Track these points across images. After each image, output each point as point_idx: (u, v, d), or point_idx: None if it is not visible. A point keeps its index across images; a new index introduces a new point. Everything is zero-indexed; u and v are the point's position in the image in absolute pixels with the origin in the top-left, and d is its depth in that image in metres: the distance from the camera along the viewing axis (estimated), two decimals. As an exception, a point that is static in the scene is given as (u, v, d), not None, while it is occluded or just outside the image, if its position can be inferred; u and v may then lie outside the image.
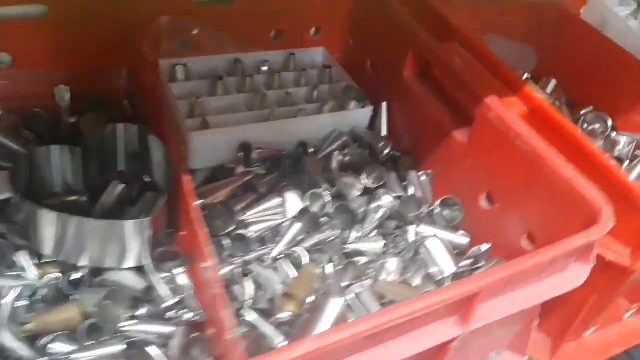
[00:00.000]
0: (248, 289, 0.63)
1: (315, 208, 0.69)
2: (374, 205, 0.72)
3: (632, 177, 0.80)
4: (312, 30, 0.92)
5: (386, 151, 0.80)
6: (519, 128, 0.59)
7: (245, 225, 0.68)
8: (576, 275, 0.54)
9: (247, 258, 0.64)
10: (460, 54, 0.71)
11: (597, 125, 0.91)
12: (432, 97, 0.75)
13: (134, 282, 0.58)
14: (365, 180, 0.74)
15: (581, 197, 0.53)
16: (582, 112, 0.97)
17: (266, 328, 0.58)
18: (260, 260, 0.66)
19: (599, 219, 0.51)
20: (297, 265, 0.66)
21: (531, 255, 0.47)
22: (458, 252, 0.71)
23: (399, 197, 0.74)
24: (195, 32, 0.81)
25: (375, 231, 0.73)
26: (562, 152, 0.59)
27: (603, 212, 0.51)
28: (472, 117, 0.66)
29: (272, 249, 0.66)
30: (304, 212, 0.68)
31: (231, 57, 0.85)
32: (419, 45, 0.74)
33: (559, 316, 0.68)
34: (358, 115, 0.82)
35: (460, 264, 0.69)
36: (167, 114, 0.75)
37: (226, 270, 0.62)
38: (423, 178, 0.77)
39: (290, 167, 0.76)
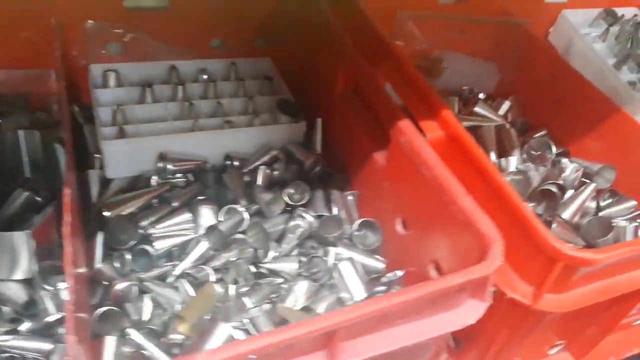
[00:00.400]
0: (146, 307, 0.61)
1: (228, 224, 0.67)
2: (292, 223, 0.70)
3: (571, 209, 0.77)
4: (259, 41, 0.91)
5: (316, 168, 0.78)
6: (425, 154, 0.57)
7: (153, 239, 0.66)
8: (469, 312, 0.51)
9: (146, 275, 0.62)
10: (388, 75, 0.68)
11: (547, 150, 0.88)
12: (360, 116, 0.73)
13: (16, 294, 0.56)
14: (286, 198, 0.72)
15: (476, 230, 0.51)
16: (535, 135, 0.94)
17: (152, 349, 0.56)
18: (162, 277, 0.64)
19: (488, 255, 0.48)
20: (202, 284, 0.64)
21: (400, 292, 0.44)
22: (375, 277, 0.69)
23: (320, 217, 0.71)
24: (127, 37, 0.80)
25: (296, 250, 0.71)
26: (472, 182, 0.56)
27: (493, 248, 0.48)
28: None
29: (175, 266, 0.64)
30: (211, 228, 0.66)
31: (167, 64, 0.83)
32: (348, 64, 0.72)
33: (472, 351, 0.65)
34: (291, 130, 0.80)
35: (374, 290, 0.66)
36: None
37: (121, 286, 0.60)
38: (349, 198, 0.75)
39: (212, 181, 0.74)
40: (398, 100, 0.68)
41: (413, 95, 0.66)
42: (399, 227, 0.65)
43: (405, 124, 0.61)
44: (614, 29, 1.09)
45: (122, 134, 0.72)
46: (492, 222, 0.51)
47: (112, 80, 0.80)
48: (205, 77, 0.86)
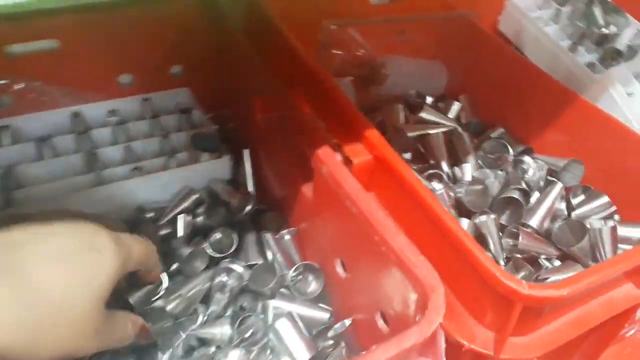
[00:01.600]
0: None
1: (138, 296, 0.57)
2: (218, 280, 0.60)
3: (539, 214, 0.68)
4: (175, 68, 0.81)
5: (247, 208, 0.69)
6: (347, 186, 0.48)
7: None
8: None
9: None
10: (307, 95, 0.59)
11: (505, 153, 0.79)
12: (285, 144, 0.63)
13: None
14: (209, 250, 0.62)
15: (412, 275, 0.41)
16: (493, 134, 0.85)
17: None
18: None
19: (428, 309, 0.39)
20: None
21: None
22: (321, 329, 0.59)
23: (253, 266, 0.62)
24: (15, 87, 0.70)
25: (230, 310, 0.61)
26: (409, 213, 0.47)
27: (433, 299, 0.39)
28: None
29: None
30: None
31: (68, 111, 0.74)
32: (263, 86, 0.63)
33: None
34: (213, 168, 0.70)
35: (320, 347, 0.57)
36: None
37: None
38: (286, 238, 0.66)
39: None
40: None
41: (334, 116, 0.57)
42: (339, 270, 0.56)
43: (325, 152, 0.51)
44: (566, 9, 1.01)
45: (10, 203, 0.62)
46: (428, 265, 0.41)
47: (5, 139, 0.70)
48: (114, 119, 0.76)
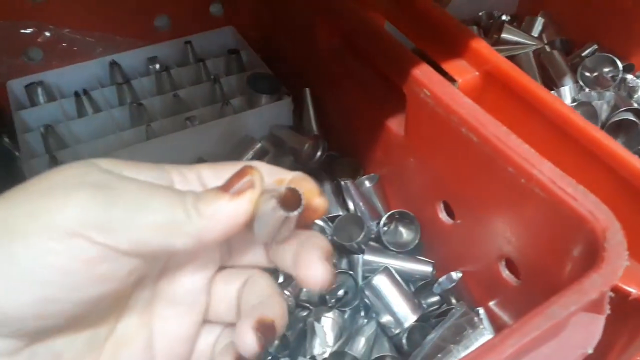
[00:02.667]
0: None
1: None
2: (297, 236, 0.52)
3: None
4: (215, 7, 0.72)
5: (318, 154, 0.60)
6: (464, 109, 0.38)
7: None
8: (582, 335, 0.33)
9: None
10: (385, 12, 0.49)
11: (605, 69, 0.68)
12: (358, 75, 0.54)
13: None
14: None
15: (574, 211, 0.32)
16: (584, 53, 0.73)
17: None
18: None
19: (603, 251, 0.30)
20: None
21: (508, 337, 0.26)
22: (422, 285, 0.51)
23: (335, 218, 0.54)
24: (42, 37, 0.62)
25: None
26: (537, 136, 0.38)
27: (609, 238, 0.30)
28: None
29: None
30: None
31: (104, 61, 0.65)
32: (329, 7, 0.53)
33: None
34: (274, 112, 0.62)
35: (426, 303, 0.49)
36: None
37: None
38: (367, 185, 0.57)
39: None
40: (406, 42, 0.49)
41: (425, 31, 0.47)
42: (442, 216, 0.47)
43: (424, 71, 0.42)
44: None
45: (55, 164, 0.54)
46: (593, 197, 0.32)
47: (40, 96, 0.63)
48: (156, 66, 0.68)
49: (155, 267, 0.28)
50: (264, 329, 0.26)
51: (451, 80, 0.43)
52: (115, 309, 0.28)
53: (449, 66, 0.43)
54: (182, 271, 0.28)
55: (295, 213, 0.23)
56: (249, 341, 0.25)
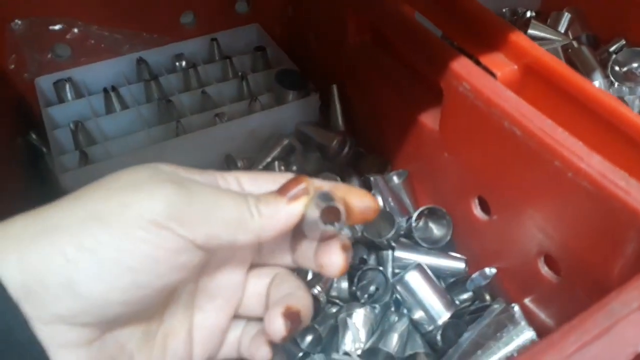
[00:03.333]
0: None
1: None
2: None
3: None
4: (240, 4, 0.72)
5: (345, 150, 0.60)
6: (507, 102, 0.38)
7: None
8: (632, 334, 0.33)
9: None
10: (415, 3, 0.49)
11: (635, 65, 0.67)
12: (389, 71, 0.53)
13: None
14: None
15: (621, 203, 0.32)
16: (612, 48, 0.72)
17: None
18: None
19: (657, 245, 0.29)
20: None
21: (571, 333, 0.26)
22: (453, 282, 0.51)
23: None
24: (71, 34, 0.62)
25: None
26: (582, 127, 0.37)
27: (663, 232, 0.29)
28: (441, 94, 0.45)
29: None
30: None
31: (132, 58, 0.66)
32: (358, 2, 0.52)
33: None
34: (302, 108, 0.61)
35: (458, 300, 0.49)
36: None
37: None
38: (395, 181, 0.56)
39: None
40: (438, 34, 0.48)
41: (458, 22, 0.46)
42: (477, 212, 0.47)
43: (463, 64, 0.41)
44: None
45: (85, 160, 0.54)
46: (644, 187, 0.31)
47: (67, 92, 0.63)
48: (183, 63, 0.68)
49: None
50: (291, 316, 0.29)
51: (489, 74, 0.42)
52: (166, 302, 0.28)
53: (486, 59, 0.43)
54: (222, 268, 0.31)
55: (332, 228, 0.27)
56: (278, 326, 0.28)
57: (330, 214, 0.27)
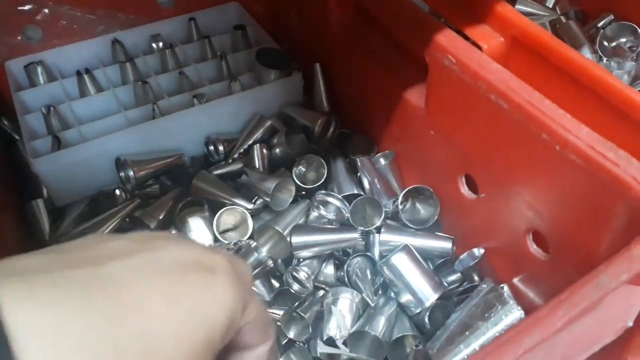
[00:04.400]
0: None
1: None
2: (314, 214, 0.51)
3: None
4: (219, -19, 0.69)
5: (330, 131, 0.58)
6: (493, 75, 0.36)
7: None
8: (621, 308, 0.32)
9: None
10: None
11: (623, 40, 0.66)
12: (373, 47, 0.52)
13: None
14: (295, 180, 0.52)
15: (616, 177, 0.30)
16: (600, 24, 0.71)
17: None
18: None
19: (648, 218, 0.28)
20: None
21: (553, 312, 0.25)
22: (441, 262, 0.50)
23: (353, 197, 0.52)
24: (41, 15, 0.59)
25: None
26: (570, 99, 0.36)
27: (654, 204, 0.28)
28: (427, 69, 0.43)
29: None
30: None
31: (106, 39, 0.63)
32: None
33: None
34: (284, 88, 0.59)
35: (446, 282, 0.48)
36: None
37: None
38: (382, 162, 0.55)
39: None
40: (422, 7, 0.47)
41: (445, -4, 0.44)
42: (464, 190, 0.45)
43: (448, 37, 0.40)
44: None
45: (58, 145, 0.52)
46: (635, 160, 0.30)
47: (39, 76, 0.60)
48: (160, 44, 0.65)
49: None
50: None
51: (475, 46, 0.41)
52: None
53: (472, 32, 0.41)
54: None
55: None
56: None
57: None
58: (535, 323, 0.24)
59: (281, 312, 0.46)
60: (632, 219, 0.30)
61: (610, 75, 0.35)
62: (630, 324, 0.32)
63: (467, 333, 0.38)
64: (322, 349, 0.45)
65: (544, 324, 0.24)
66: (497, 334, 0.38)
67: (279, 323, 0.45)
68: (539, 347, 0.30)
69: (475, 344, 0.38)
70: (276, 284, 0.51)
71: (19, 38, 0.60)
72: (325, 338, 0.44)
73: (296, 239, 0.46)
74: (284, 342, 0.46)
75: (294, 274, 0.46)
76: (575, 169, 0.33)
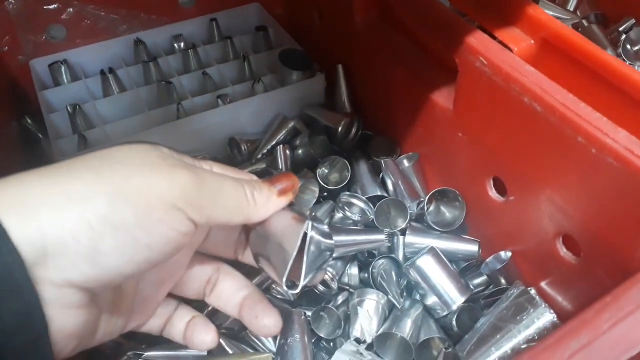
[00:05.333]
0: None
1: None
2: (338, 216, 0.51)
3: None
4: (241, -18, 0.69)
5: (352, 132, 0.58)
6: (527, 77, 0.36)
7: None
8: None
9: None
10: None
11: (647, 43, 0.65)
12: (399, 48, 0.52)
13: None
14: (318, 181, 0.52)
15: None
16: (622, 27, 0.71)
17: None
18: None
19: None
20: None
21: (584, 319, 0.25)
22: (466, 266, 0.50)
23: (377, 198, 0.52)
24: (66, 14, 0.60)
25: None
26: (604, 102, 0.35)
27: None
28: (455, 71, 0.43)
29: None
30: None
31: (129, 39, 0.63)
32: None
33: None
34: (306, 89, 0.60)
35: (472, 285, 0.47)
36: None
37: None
38: (406, 165, 0.55)
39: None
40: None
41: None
42: (492, 193, 0.45)
43: (479, 39, 0.40)
44: None
45: (84, 144, 0.53)
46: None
47: (63, 75, 0.61)
48: (181, 44, 0.66)
49: None
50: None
51: (507, 48, 0.41)
52: None
53: (502, 34, 0.41)
54: None
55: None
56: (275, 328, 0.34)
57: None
58: (580, 326, 0.24)
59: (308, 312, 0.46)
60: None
61: (627, 67, 0.35)
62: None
63: (497, 336, 0.38)
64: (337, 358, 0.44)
65: (591, 326, 0.24)
66: (529, 337, 0.38)
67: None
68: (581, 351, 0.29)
69: (507, 347, 0.37)
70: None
71: (44, 37, 0.60)
72: (352, 339, 0.44)
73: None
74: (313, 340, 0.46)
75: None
76: (611, 173, 0.32)
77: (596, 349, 0.25)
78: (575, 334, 0.24)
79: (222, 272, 0.36)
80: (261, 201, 0.31)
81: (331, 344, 0.46)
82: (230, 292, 0.36)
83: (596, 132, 0.33)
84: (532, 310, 0.38)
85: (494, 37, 0.42)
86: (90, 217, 0.24)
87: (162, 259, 0.27)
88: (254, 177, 0.33)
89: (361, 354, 0.44)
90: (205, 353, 0.42)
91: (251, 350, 0.44)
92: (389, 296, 0.46)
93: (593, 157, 0.33)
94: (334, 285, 0.47)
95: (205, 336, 0.35)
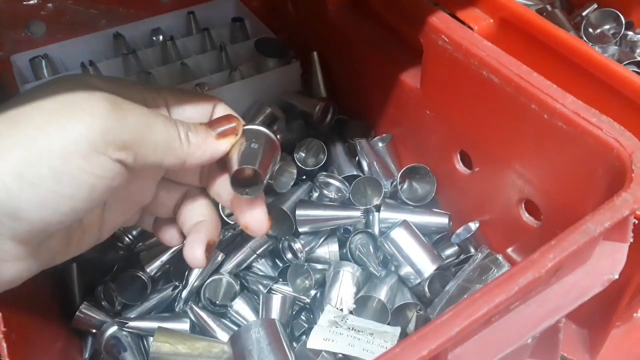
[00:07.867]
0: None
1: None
2: (316, 195, 0.53)
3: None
4: (217, -24, 0.71)
5: (328, 117, 0.60)
6: (483, 51, 0.39)
7: (142, 259, 0.49)
8: (606, 263, 0.34)
9: (142, 307, 0.46)
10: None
11: (607, 27, 0.68)
12: (370, 32, 0.54)
13: None
14: (297, 163, 0.54)
15: (597, 140, 0.33)
16: (585, 12, 0.74)
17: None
18: (167, 307, 0.48)
19: (628, 174, 0.31)
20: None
21: (520, 270, 0.27)
22: (440, 237, 0.52)
23: (352, 177, 0.54)
24: (46, 10, 0.61)
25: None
26: (556, 75, 0.38)
27: (635, 160, 0.31)
28: (422, 51, 0.45)
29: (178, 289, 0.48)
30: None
31: (108, 34, 0.65)
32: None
33: (593, 307, 0.48)
34: (282, 76, 0.62)
35: (444, 255, 0.50)
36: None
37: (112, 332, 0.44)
38: (379, 145, 0.57)
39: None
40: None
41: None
42: (459, 166, 0.48)
43: (442, 19, 0.42)
44: None
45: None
46: (615, 124, 0.33)
47: (43, 69, 0.62)
48: (160, 37, 0.67)
49: None
50: (210, 248, 0.33)
51: (468, 28, 0.43)
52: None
53: (463, 14, 0.44)
54: (135, 178, 0.32)
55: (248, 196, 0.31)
56: (199, 258, 0.32)
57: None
58: (527, 265, 0.26)
59: (285, 288, 0.49)
60: (615, 178, 0.32)
61: (593, 49, 0.37)
62: (616, 276, 0.34)
63: (465, 296, 0.40)
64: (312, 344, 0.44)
65: (536, 265, 0.26)
66: (494, 296, 0.40)
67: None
68: (533, 298, 0.32)
69: (474, 306, 0.40)
70: (280, 264, 0.53)
71: (24, 33, 0.62)
72: (328, 308, 0.46)
73: (300, 212, 0.48)
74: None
75: (291, 243, 0.48)
76: (562, 136, 0.35)
77: (544, 297, 0.28)
78: (523, 271, 0.27)
79: (188, 196, 0.36)
80: (196, 142, 0.29)
81: (311, 315, 0.48)
82: (187, 216, 0.35)
83: (547, 98, 0.35)
84: (496, 270, 0.40)
85: (457, 19, 0.44)
86: (4, 176, 0.24)
87: (92, 205, 0.27)
88: (215, 103, 0.33)
89: (338, 323, 0.46)
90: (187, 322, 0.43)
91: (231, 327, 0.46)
92: (370, 267, 0.48)
93: (546, 123, 0.36)
94: (302, 255, 0.48)
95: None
